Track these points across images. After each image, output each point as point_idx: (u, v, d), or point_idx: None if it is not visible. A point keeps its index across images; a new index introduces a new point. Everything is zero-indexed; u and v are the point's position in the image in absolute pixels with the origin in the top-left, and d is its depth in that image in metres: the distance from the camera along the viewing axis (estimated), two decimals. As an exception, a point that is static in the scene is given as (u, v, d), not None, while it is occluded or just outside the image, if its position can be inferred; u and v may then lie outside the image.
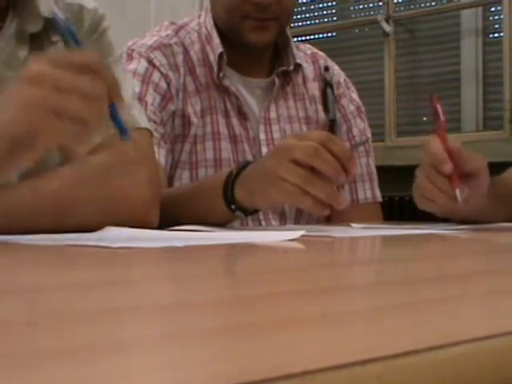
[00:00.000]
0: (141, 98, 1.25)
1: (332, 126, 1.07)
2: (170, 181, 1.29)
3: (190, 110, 1.30)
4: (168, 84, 1.29)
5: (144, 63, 1.28)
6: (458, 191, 1.00)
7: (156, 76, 1.28)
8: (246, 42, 1.28)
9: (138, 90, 1.25)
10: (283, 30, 1.34)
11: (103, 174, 0.93)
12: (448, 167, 1.00)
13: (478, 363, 0.26)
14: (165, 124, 1.27)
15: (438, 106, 1.07)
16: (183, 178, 1.29)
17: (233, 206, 1.03)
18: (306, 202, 0.96)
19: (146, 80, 1.27)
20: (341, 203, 0.96)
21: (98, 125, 0.73)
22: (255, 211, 1.08)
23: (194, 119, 1.30)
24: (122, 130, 0.75)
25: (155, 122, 1.25)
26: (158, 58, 1.30)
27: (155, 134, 1.24)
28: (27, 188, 0.89)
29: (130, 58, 1.30)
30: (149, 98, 1.26)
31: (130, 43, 1.33)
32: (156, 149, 1.23)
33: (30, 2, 0.97)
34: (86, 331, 0.28)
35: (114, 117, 0.74)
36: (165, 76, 1.29)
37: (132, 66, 1.28)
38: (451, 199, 1.02)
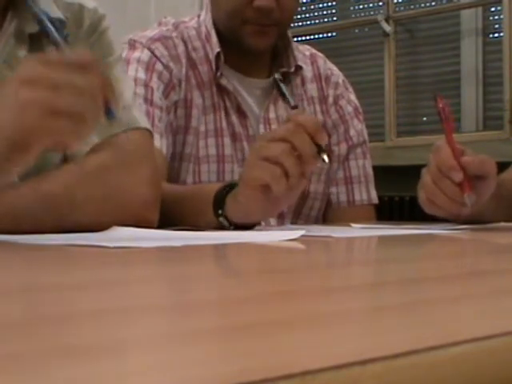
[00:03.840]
0: (146, 84, 1.26)
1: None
2: (177, 173, 1.30)
3: (192, 101, 1.30)
4: (170, 74, 1.29)
5: (147, 52, 1.29)
6: (466, 197, 1.00)
7: (159, 65, 1.29)
8: (245, 46, 1.29)
9: (143, 76, 1.27)
10: (283, 33, 1.34)
11: (103, 173, 0.93)
12: (459, 176, 1.00)
13: (478, 363, 0.26)
14: (168, 112, 1.28)
15: (445, 106, 1.06)
16: (189, 172, 1.30)
17: (220, 211, 1.02)
18: (282, 183, 0.95)
19: (150, 68, 1.28)
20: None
21: (95, 118, 0.74)
22: (240, 227, 1.03)
23: (195, 111, 1.30)
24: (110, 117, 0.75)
25: (161, 109, 1.26)
26: (160, 49, 1.30)
27: (159, 124, 1.24)
28: (27, 188, 0.89)
29: (133, 47, 1.30)
30: (154, 85, 1.27)
31: (130, 35, 1.33)
32: (159, 138, 1.23)
33: (29, 3, 0.97)
34: (85, 331, 0.28)
35: (109, 111, 0.74)
36: (166, 66, 1.29)
37: (136, 54, 1.29)
38: (457, 204, 1.02)
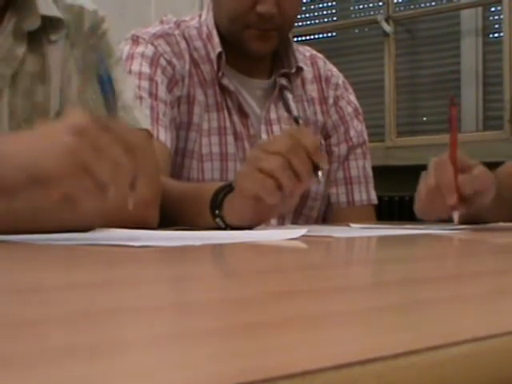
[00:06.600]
0: (151, 78, 1.26)
1: (297, 124, 1.08)
2: (179, 169, 1.30)
3: (195, 98, 1.31)
4: (173, 69, 1.30)
5: (151, 47, 1.30)
6: (455, 214, 1.03)
7: (162, 61, 1.29)
8: (247, 50, 1.29)
9: (147, 70, 1.27)
10: (285, 37, 1.34)
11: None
12: (453, 199, 1.03)
13: (478, 363, 0.26)
14: (172, 107, 1.28)
15: (456, 116, 1.07)
16: (193, 169, 1.30)
17: (217, 212, 1.02)
18: (276, 196, 0.95)
19: (154, 62, 1.28)
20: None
21: (116, 197, 0.75)
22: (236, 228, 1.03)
23: (197, 108, 1.30)
24: None
25: (165, 103, 1.26)
26: (162, 45, 1.31)
27: (163, 118, 1.24)
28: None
29: (137, 42, 1.30)
30: (158, 79, 1.27)
31: (133, 31, 1.33)
32: (163, 132, 1.23)
33: (28, 0, 0.97)
34: (86, 331, 0.28)
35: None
36: (169, 62, 1.30)
37: (140, 49, 1.29)
38: (445, 216, 1.05)
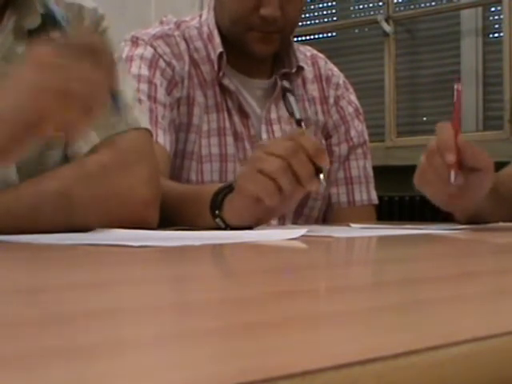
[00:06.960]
0: (150, 81, 1.26)
1: (299, 126, 1.09)
2: (179, 171, 1.30)
3: (194, 99, 1.31)
4: (172, 71, 1.30)
5: (150, 49, 1.30)
6: (452, 173, 1.01)
7: (161, 62, 1.29)
8: (249, 51, 1.29)
9: (146, 73, 1.27)
10: (286, 38, 1.34)
11: (103, 174, 0.93)
12: (451, 157, 1.00)
13: (478, 363, 0.26)
14: (171, 109, 1.28)
15: (460, 92, 1.07)
16: (192, 170, 1.30)
17: (217, 212, 1.02)
18: (276, 198, 0.96)
19: (153, 64, 1.28)
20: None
21: (101, 108, 0.75)
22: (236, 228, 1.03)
23: (197, 109, 1.30)
24: (116, 108, 0.78)
25: (164, 106, 1.26)
26: (162, 47, 1.31)
27: (162, 120, 1.24)
28: (27, 188, 0.89)
29: (136, 44, 1.30)
30: (157, 81, 1.27)
31: (132, 33, 1.33)
32: (162, 134, 1.23)
33: None
34: (85, 331, 0.28)
35: (114, 99, 0.77)
36: (168, 64, 1.30)
37: (139, 50, 1.29)
38: (443, 182, 1.02)
